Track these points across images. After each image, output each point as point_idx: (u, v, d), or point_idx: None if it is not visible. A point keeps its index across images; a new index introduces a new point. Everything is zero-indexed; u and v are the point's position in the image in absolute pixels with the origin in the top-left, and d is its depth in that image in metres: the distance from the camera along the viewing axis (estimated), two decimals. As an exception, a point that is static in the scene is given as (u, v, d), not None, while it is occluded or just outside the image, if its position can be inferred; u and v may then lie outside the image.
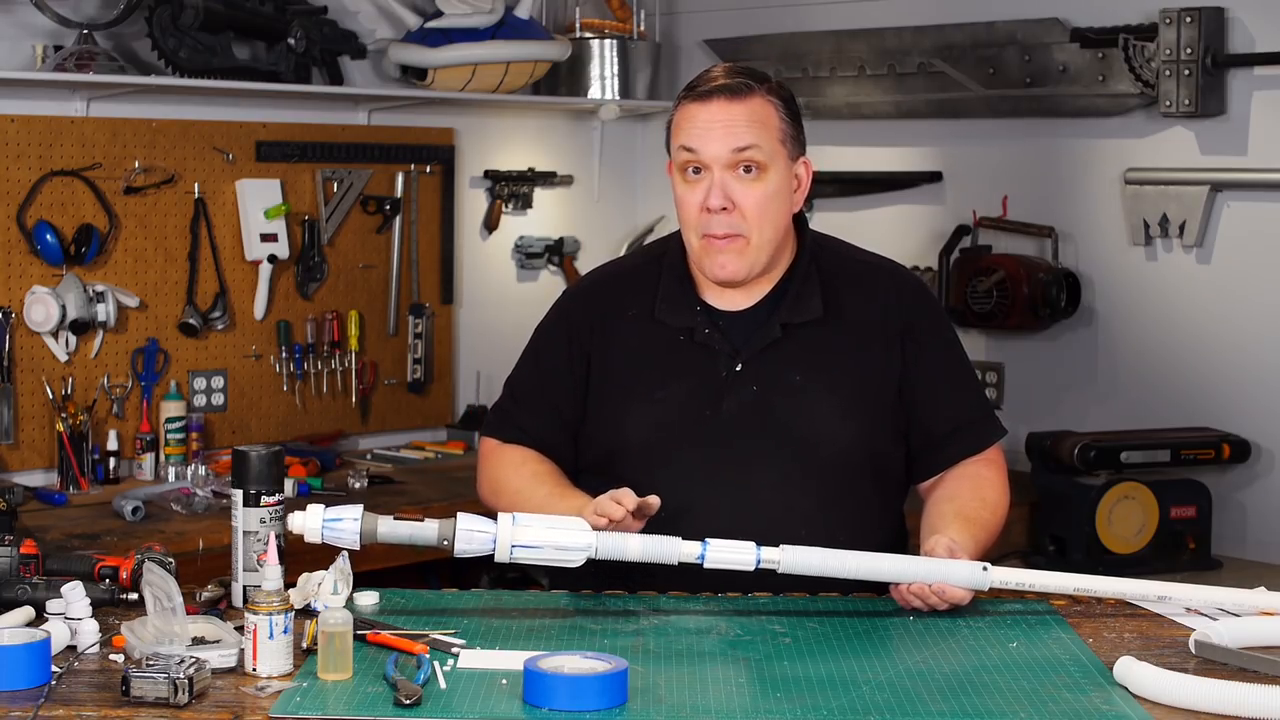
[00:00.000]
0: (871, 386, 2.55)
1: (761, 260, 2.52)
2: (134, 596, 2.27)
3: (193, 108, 4.08)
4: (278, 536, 2.26)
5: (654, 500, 2.35)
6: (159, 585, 2.11)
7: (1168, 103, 3.93)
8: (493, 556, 2.26)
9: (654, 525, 2.38)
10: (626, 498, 2.33)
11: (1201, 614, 2.33)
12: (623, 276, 2.68)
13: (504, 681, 2.00)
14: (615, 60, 4.75)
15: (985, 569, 2.31)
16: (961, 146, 4.45)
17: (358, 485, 3.90)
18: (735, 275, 2.51)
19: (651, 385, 2.54)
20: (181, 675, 1.90)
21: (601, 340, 2.59)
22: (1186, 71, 3.89)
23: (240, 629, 2.07)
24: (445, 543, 2.26)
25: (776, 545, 2.30)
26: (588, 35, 4.76)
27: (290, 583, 2.24)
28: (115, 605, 2.28)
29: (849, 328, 2.56)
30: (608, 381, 2.57)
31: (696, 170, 2.50)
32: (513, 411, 2.66)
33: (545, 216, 4.87)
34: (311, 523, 2.23)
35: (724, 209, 2.47)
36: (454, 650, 2.11)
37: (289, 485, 3.66)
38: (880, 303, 2.59)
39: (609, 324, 2.59)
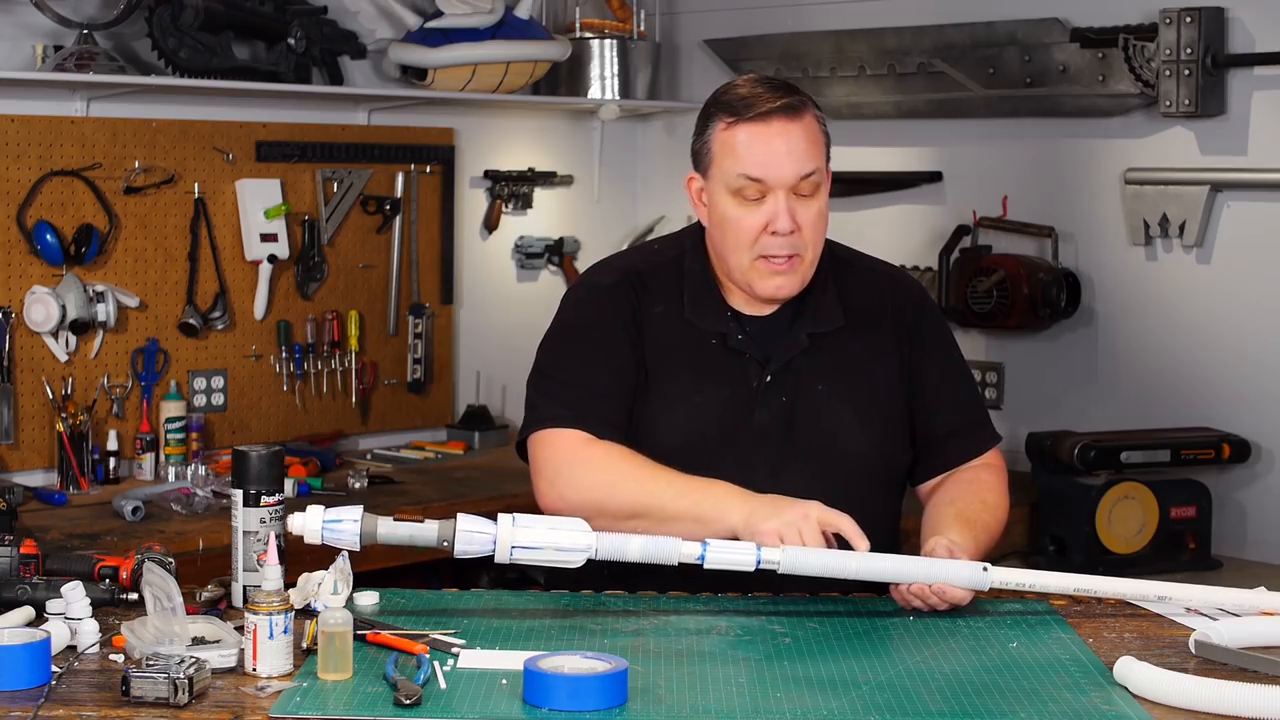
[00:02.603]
0: (886, 393, 2.57)
1: (809, 275, 2.52)
2: (134, 596, 2.27)
3: (193, 108, 4.08)
4: (278, 536, 2.26)
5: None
6: (159, 585, 2.11)
7: (1168, 103, 3.93)
8: (493, 557, 2.26)
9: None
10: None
11: (1201, 614, 2.33)
12: (643, 272, 2.60)
13: (504, 681, 2.00)
14: (615, 60, 4.75)
15: (985, 569, 2.31)
16: (961, 146, 4.45)
17: (358, 485, 3.90)
18: (791, 294, 2.51)
19: (688, 387, 2.52)
20: (181, 675, 1.90)
21: (639, 333, 2.55)
22: (1186, 71, 3.88)
23: (240, 629, 2.07)
24: (445, 544, 2.26)
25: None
26: (588, 35, 4.76)
27: (290, 583, 2.24)
28: (115, 605, 2.28)
29: (865, 335, 2.57)
30: (646, 377, 2.54)
31: (754, 195, 2.46)
32: (591, 403, 2.50)
33: (545, 216, 4.87)
34: (311, 524, 2.23)
35: (791, 231, 2.46)
36: (454, 650, 2.11)
37: (289, 485, 3.66)
38: (887, 308, 2.60)
39: (641, 318, 2.56)
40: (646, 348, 2.55)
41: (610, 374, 2.53)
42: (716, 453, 2.48)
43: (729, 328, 2.54)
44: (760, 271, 2.49)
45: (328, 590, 2.18)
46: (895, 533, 2.63)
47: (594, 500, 2.42)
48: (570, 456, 2.47)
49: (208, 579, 2.37)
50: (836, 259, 2.63)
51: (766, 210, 2.45)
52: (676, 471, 2.44)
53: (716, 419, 2.51)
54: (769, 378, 2.52)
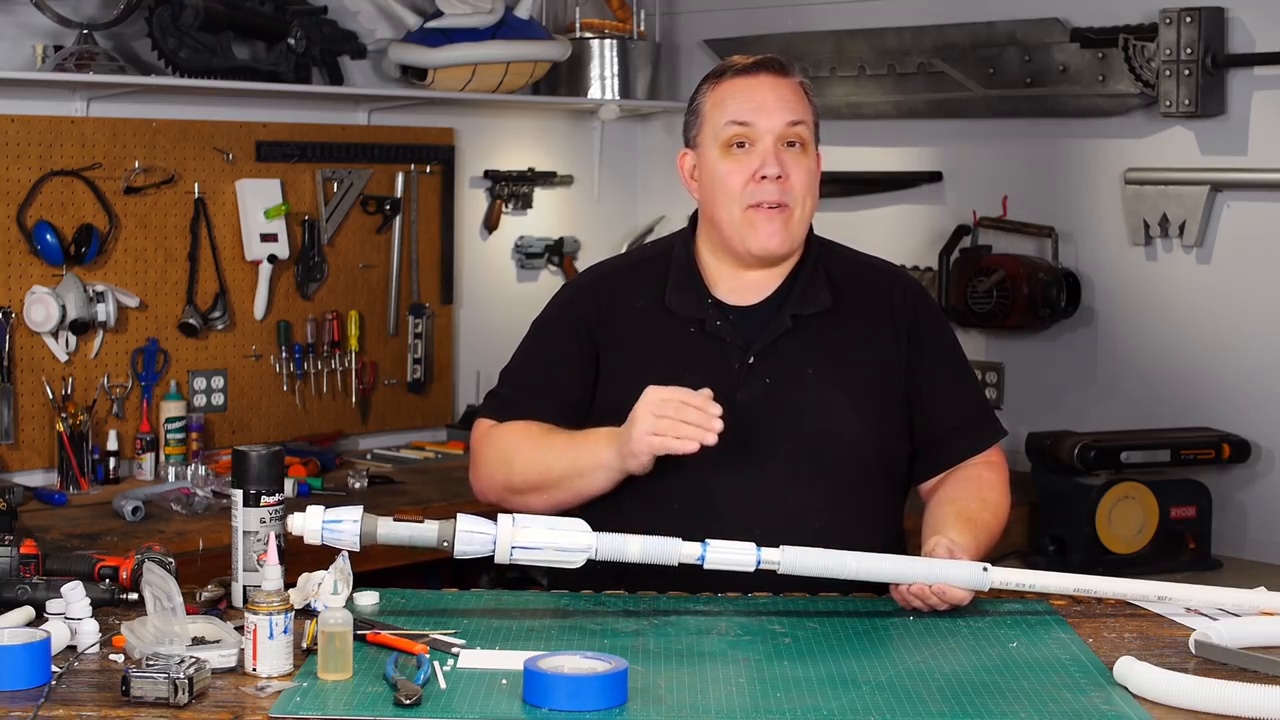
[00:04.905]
0: (881, 381, 2.56)
1: (799, 237, 2.54)
2: (134, 596, 2.27)
3: (193, 108, 4.08)
4: (278, 536, 2.26)
5: (707, 391, 2.35)
6: (159, 585, 2.11)
7: (1168, 103, 3.93)
8: (493, 557, 2.26)
9: (666, 516, 2.39)
10: (708, 403, 2.32)
11: (1201, 614, 2.33)
12: (628, 269, 2.67)
13: (504, 681, 2.00)
14: (615, 60, 4.76)
15: (985, 569, 2.31)
16: (961, 146, 4.45)
17: (358, 485, 3.90)
18: (779, 248, 2.52)
19: (664, 376, 2.52)
20: (181, 675, 1.90)
21: (610, 332, 2.58)
22: (1186, 71, 3.88)
23: (240, 629, 2.07)
24: (445, 544, 2.26)
25: (789, 539, 2.31)
26: (588, 35, 4.76)
27: (290, 583, 2.24)
28: (115, 605, 2.28)
29: (857, 322, 2.57)
30: (619, 372, 2.56)
31: (741, 144, 2.51)
32: (514, 398, 2.61)
33: (545, 216, 4.87)
34: (311, 524, 2.23)
35: (779, 177, 2.48)
36: (454, 650, 2.11)
37: (289, 485, 3.66)
38: (885, 301, 2.60)
39: (616, 317, 2.59)
40: (621, 343, 2.57)
41: (545, 372, 2.61)
42: None
43: (708, 314, 2.55)
44: (750, 222, 2.51)
45: (328, 590, 2.18)
46: (900, 533, 2.63)
47: (499, 479, 2.54)
48: (479, 443, 2.61)
49: (208, 579, 2.37)
50: (830, 249, 2.65)
51: (755, 159, 2.50)
52: (566, 431, 2.52)
53: None
54: (752, 360, 2.52)
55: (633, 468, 2.39)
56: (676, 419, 2.32)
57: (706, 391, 2.35)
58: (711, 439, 2.31)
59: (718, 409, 2.32)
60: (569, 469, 2.45)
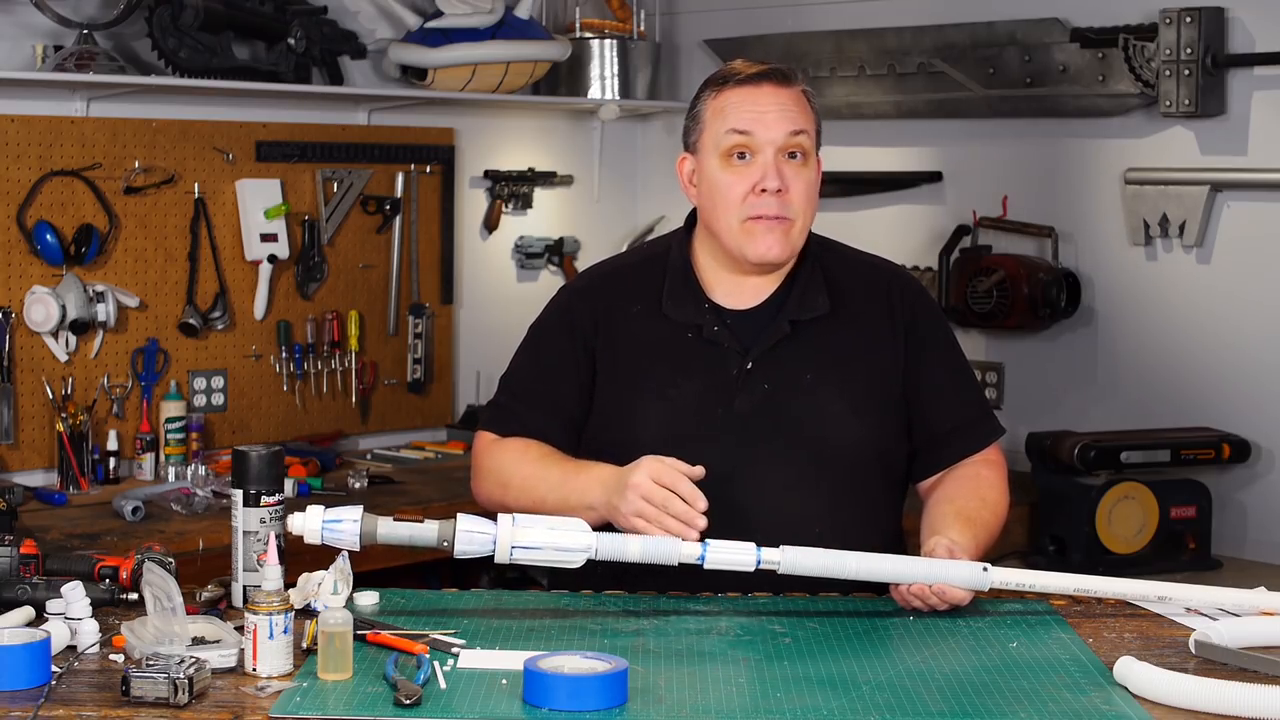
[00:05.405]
0: (880, 384, 2.56)
1: (799, 245, 2.54)
2: (134, 596, 2.28)
3: (193, 108, 4.08)
4: (278, 536, 2.26)
5: (700, 470, 2.35)
6: (159, 585, 2.11)
7: (1168, 103, 3.93)
8: (493, 557, 2.26)
9: None
10: (697, 498, 2.32)
11: (1201, 614, 2.33)
12: (625, 272, 2.66)
13: (504, 681, 2.00)
14: (615, 60, 4.76)
15: (985, 569, 2.31)
16: (961, 146, 4.45)
17: (358, 485, 3.90)
18: (779, 257, 2.51)
19: (662, 382, 2.53)
20: (181, 675, 1.90)
21: (607, 336, 2.58)
22: (1186, 71, 3.88)
23: (240, 629, 2.07)
24: (445, 544, 2.26)
25: (789, 544, 2.31)
26: (588, 35, 4.76)
27: (290, 583, 2.24)
28: (115, 605, 2.28)
29: (856, 325, 2.57)
30: (616, 377, 2.56)
31: (742, 155, 2.50)
32: (511, 407, 2.61)
33: (545, 216, 4.87)
34: (311, 524, 2.24)
35: (779, 190, 2.47)
36: (454, 650, 2.11)
37: (289, 485, 3.66)
38: (884, 301, 2.60)
39: (614, 320, 2.58)
40: (618, 347, 2.57)
41: (542, 378, 2.60)
42: (692, 444, 2.46)
43: (705, 320, 2.54)
44: (749, 231, 2.50)
45: (328, 590, 2.18)
46: (899, 533, 2.63)
47: (496, 499, 2.54)
48: (479, 455, 2.63)
49: (208, 579, 2.38)
50: (828, 250, 2.64)
51: (755, 171, 2.49)
52: (564, 460, 2.51)
53: (693, 410, 2.51)
54: (750, 365, 2.52)
55: (619, 523, 2.38)
56: (662, 510, 2.32)
57: (699, 471, 2.35)
58: (693, 535, 2.30)
59: (704, 504, 2.31)
60: (560, 505, 2.43)
